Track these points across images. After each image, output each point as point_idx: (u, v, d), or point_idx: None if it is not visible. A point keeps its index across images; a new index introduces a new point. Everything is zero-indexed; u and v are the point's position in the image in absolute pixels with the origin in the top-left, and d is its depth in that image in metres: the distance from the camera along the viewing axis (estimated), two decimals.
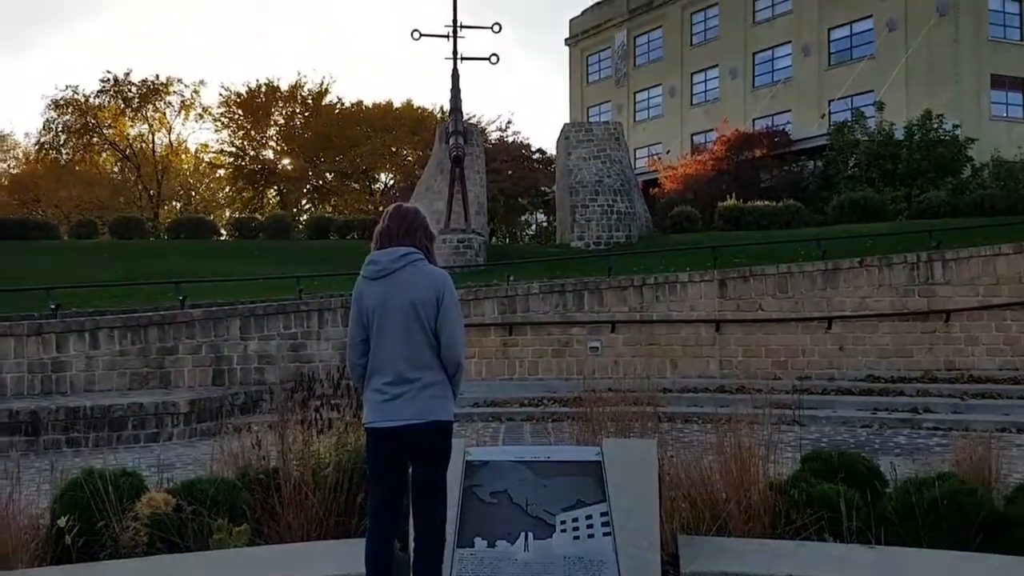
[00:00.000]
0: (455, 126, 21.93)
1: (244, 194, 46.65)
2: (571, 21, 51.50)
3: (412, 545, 4.13)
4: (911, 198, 24.51)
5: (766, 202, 25.63)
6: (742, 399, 11.78)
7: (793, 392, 11.97)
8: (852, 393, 13.61)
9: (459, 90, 22.71)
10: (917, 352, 15.32)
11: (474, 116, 40.73)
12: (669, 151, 40.36)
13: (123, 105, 44.13)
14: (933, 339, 15.35)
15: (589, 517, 4.52)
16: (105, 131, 44.51)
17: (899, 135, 27.51)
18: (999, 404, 12.56)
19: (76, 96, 43.36)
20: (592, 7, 49.89)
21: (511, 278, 16.64)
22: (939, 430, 11.22)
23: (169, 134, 46.48)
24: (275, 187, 46.28)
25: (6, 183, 45.79)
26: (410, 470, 4.04)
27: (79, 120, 43.85)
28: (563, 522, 4.51)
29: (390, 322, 3.95)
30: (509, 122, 54.42)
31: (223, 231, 33.38)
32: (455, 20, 22.14)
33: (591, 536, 4.49)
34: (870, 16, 35.07)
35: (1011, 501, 5.32)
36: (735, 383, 14.14)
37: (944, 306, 15.40)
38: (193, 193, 50.07)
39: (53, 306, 13.90)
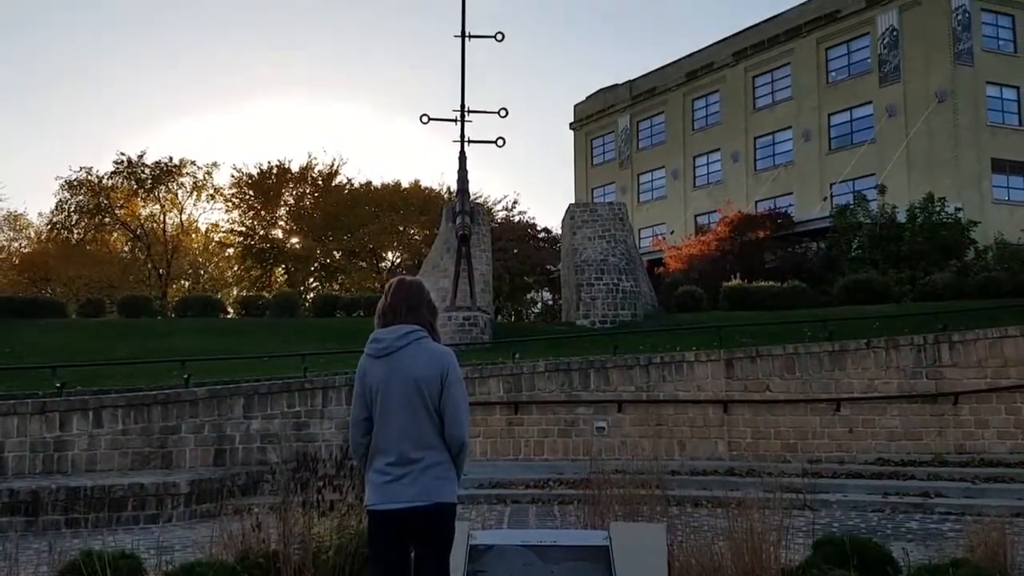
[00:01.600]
0: (462, 206, 22.26)
1: (252, 272, 46.97)
2: (576, 106, 52.72)
3: None
4: (915, 280, 24.59)
5: (770, 283, 25.75)
6: (752, 482, 11.59)
7: (803, 475, 11.80)
8: (863, 476, 13.39)
9: (466, 171, 23.12)
10: (927, 435, 15.16)
11: (481, 196, 41.37)
12: (673, 231, 40.76)
13: (136, 186, 44.80)
14: (942, 422, 15.21)
15: None
16: (117, 211, 45.10)
17: (901, 218, 27.76)
18: (1012, 488, 12.34)
19: (90, 177, 44.14)
20: (596, 93, 51.14)
21: (517, 356, 16.60)
22: (951, 515, 11.00)
23: (180, 214, 47.15)
24: (283, 265, 46.64)
25: (17, 262, 46.20)
26: (412, 553, 3.96)
27: (92, 200, 44.45)
28: None
29: (393, 401, 3.92)
30: (515, 202, 55.13)
31: (230, 309, 33.50)
32: (463, 105, 22.71)
33: None
34: (869, 103, 35.83)
35: None
36: (745, 465, 13.94)
37: (952, 388, 15.30)
38: (202, 272, 50.44)
39: (59, 384, 13.89)
